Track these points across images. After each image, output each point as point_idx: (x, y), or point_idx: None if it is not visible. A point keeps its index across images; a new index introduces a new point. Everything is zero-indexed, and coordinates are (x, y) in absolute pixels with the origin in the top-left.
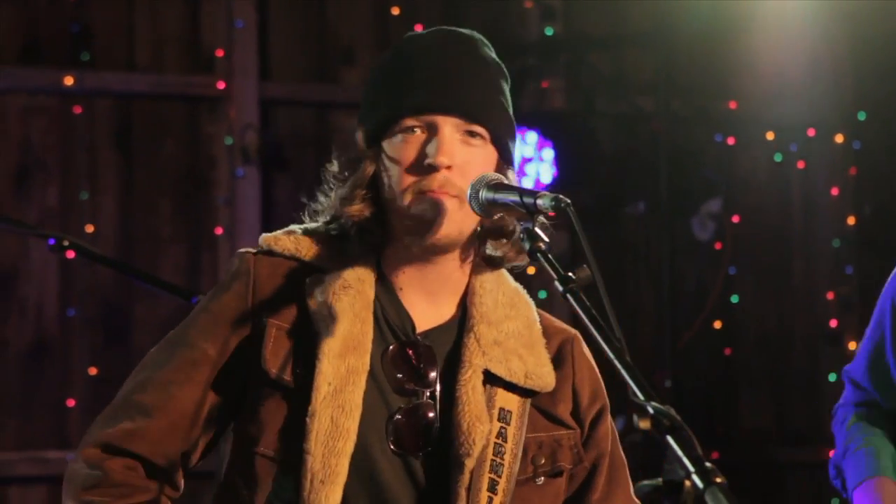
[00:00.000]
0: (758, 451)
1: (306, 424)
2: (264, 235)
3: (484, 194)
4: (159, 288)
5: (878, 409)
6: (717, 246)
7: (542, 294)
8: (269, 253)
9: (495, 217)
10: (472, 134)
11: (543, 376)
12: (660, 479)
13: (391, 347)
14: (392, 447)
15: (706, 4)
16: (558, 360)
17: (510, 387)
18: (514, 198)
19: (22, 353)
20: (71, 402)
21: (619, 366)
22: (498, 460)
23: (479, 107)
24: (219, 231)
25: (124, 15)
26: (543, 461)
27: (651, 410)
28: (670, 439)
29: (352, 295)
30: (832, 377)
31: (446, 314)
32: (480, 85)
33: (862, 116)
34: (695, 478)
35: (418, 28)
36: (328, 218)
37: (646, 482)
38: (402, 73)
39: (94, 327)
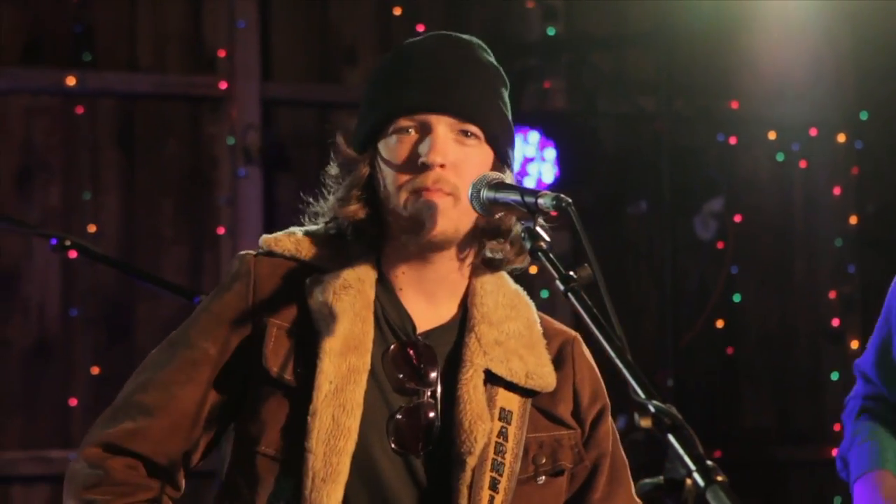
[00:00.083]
0: (760, 450)
1: (307, 423)
2: (264, 237)
3: (485, 193)
4: (161, 288)
5: (885, 403)
6: (720, 245)
7: (545, 293)
8: (270, 254)
9: (496, 216)
10: (466, 133)
11: (544, 376)
12: (661, 478)
13: (392, 347)
14: (393, 446)
15: (708, 4)
16: (559, 361)
17: (511, 387)
18: (516, 197)
19: (24, 352)
20: (73, 402)
21: (620, 364)
22: (499, 459)
23: (473, 106)
24: (221, 231)
25: (126, 15)
26: (544, 461)
27: (652, 409)
28: (671, 438)
29: (352, 294)
30: (834, 376)
31: (447, 315)
32: (475, 86)
33: (864, 116)
34: (696, 476)
35: (420, 28)
36: (328, 219)
37: (647, 481)
38: (397, 75)
39: (96, 327)
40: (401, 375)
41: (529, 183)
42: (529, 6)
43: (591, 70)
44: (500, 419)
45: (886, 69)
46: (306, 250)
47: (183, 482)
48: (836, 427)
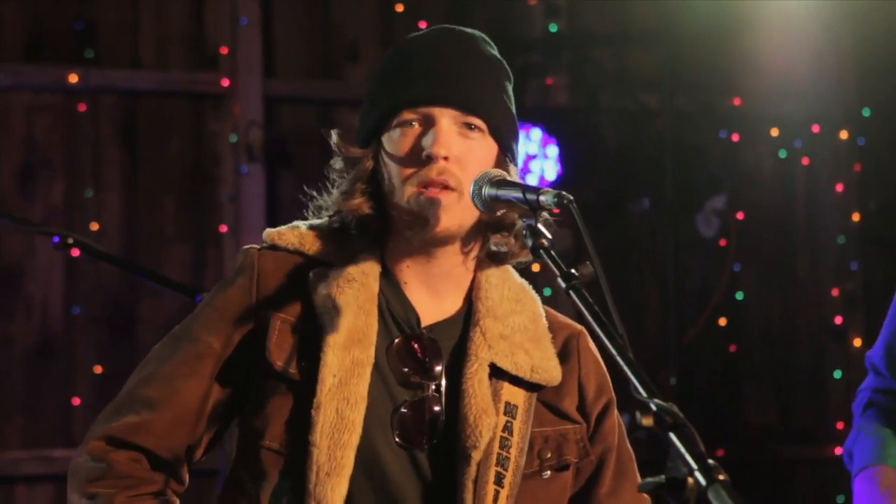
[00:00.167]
0: (763, 448)
1: (311, 417)
2: (268, 231)
3: (487, 191)
4: (163, 286)
5: (894, 396)
6: (722, 242)
7: (548, 291)
8: (273, 248)
9: (498, 213)
10: (469, 126)
11: (549, 370)
12: (663, 477)
13: (396, 341)
14: (397, 440)
15: (710, 1)
16: (564, 355)
17: (516, 381)
18: (517, 194)
19: (27, 351)
20: (76, 401)
21: (621, 362)
22: (504, 454)
23: (477, 99)
24: (223, 228)
25: (128, 12)
26: (549, 455)
27: (654, 407)
28: (673, 436)
29: (356, 288)
30: (837, 374)
31: (451, 308)
32: (479, 79)
33: (866, 112)
34: (697, 475)
35: (422, 24)
36: (331, 213)
37: (649, 479)
38: (400, 69)
39: (99, 325)
40: (405, 369)
41: (532, 180)
42: (532, 3)
43: (594, 67)
44: (505, 413)
45: (888, 65)
46: (310, 244)
47: (186, 476)
48: (840, 425)
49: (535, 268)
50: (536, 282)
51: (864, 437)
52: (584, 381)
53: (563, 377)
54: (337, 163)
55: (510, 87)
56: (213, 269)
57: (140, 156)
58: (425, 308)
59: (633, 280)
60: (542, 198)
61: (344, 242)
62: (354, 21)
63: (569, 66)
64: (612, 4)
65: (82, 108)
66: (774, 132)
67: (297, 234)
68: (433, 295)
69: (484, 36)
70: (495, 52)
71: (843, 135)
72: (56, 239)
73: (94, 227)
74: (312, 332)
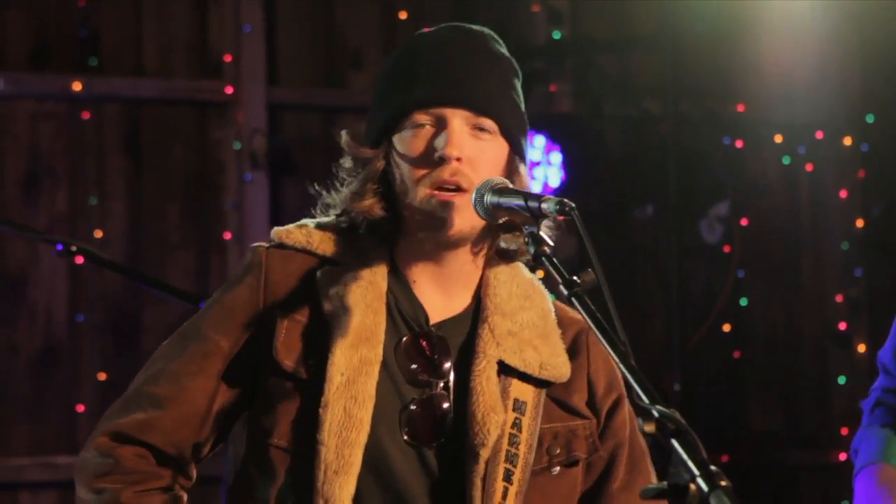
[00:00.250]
0: (767, 454)
1: (319, 415)
2: (276, 229)
3: (489, 198)
4: (166, 293)
5: None
6: (726, 249)
7: (551, 297)
8: (281, 246)
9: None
10: (481, 127)
11: (558, 367)
12: (665, 483)
13: (404, 339)
14: (406, 438)
15: (713, 7)
16: (573, 351)
17: (525, 377)
18: (519, 202)
19: (31, 358)
20: (80, 408)
21: (623, 369)
22: (513, 450)
23: (488, 100)
24: (227, 236)
25: (132, 20)
26: (559, 451)
27: (656, 414)
28: (675, 443)
29: (364, 286)
30: (842, 380)
31: (460, 306)
32: (489, 78)
33: (870, 118)
34: (700, 481)
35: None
36: (339, 212)
37: (651, 486)
38: (410, 69)
39: (103, 332)
40: (414, 367)
41: (536, 187)
42: (535, 10)
43: (597, 73)
44: (514, 410)
45: (892, 71)
46: (318, 242)
47: (194, 472)
48: (844, 431)
49: (539, 274)
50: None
51: (870, 436)
52: (593, 377)
53: (573, 373)
54: (346, 161)
55: (519, 84)
56: (217, 277)
57: (144, 164)
58: (434, 305)
59: (637, 286)
60: (543, 205)
61: (352, 241)
62: (358, 29)
63: (572, 72)
64: (615, 11)
65: (86, 116)
66: (778, 138)
67: (305, 233)
68: (442, 292)
69: (492, 33)
70: (504, 49)
71: (847, 141)
72: (59, 247)
73: (98, 234)
74: (320, 330)
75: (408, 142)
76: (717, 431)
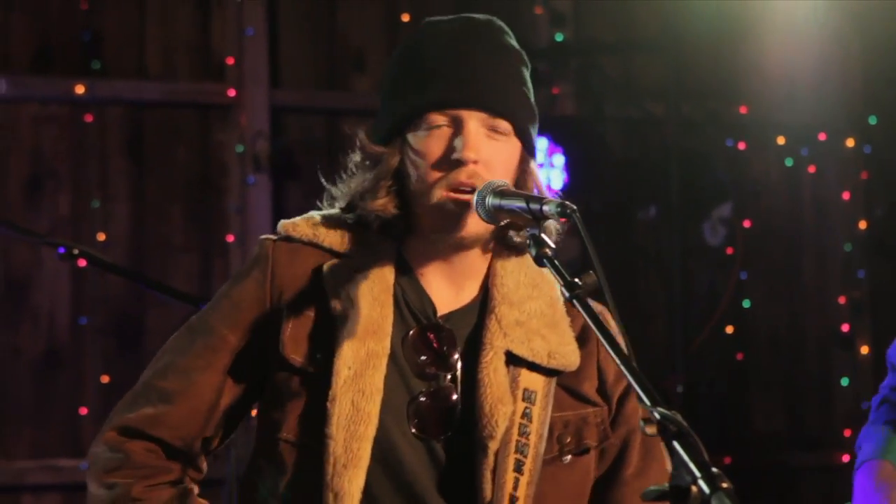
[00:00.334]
0: (770, 456)
1: (327, 409)
2: (283, 222)
3: (490, 201)
4: (169, 296)
5: None
6: (729, 251)
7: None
8: (288, 239)
9: (501, 223)
10: (496, 128)
11: (567, 355)
12: (667, 485)
13: (411, 331)
14: (414, 431)
15: (715, 9)
16: (583, 338)
17: (534, 367)
18: (521, 204)
19: (34, 361)
20: (83, 411)
21: (625, 371)
22: (523, 441)
23: (503, 101)
24: (230, 238)
25: (135, 23)
26: (569, 440)
27: (657, 416)
28: (677, 445)
29: (370, 280)
30: (844, 381)
31: (467, 297)
32: (503, 76)
33: (873, 120)
34: (701, 483)
35: None
36: (344, 205)
37: (652, 488)
38: (423, 65)
39: (105, 335)
40: (423, 358)
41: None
42: (538, 12)
43: (600, 76)
44: (523, 400)
45: (894, 73)
46: (324, 235)
47: (204, 465)
48: (847, 432)
49: None
50: None
51: (873, 433)
52: (603, 364)
53: (582, 361)
54: (356, 155)
55: (528, 74)
56: (220, 279)
57: (147, 166)
58: (442, 297)
59: (640, 288)
60: (545, 207)
61: (359, 234)
62: (360, 31)
63: (574, 75)
64: (618, 13)
65: (89, 119)
66: (781, 140)
67: (312, 226)
68: (450, 284)
69: (501, 24)
70: (512, 39)
71: (850, 143)
72: (62, 250)
73: (101, 237)
74: (327, 324)
75: (423, 142)
76: (720, 433)
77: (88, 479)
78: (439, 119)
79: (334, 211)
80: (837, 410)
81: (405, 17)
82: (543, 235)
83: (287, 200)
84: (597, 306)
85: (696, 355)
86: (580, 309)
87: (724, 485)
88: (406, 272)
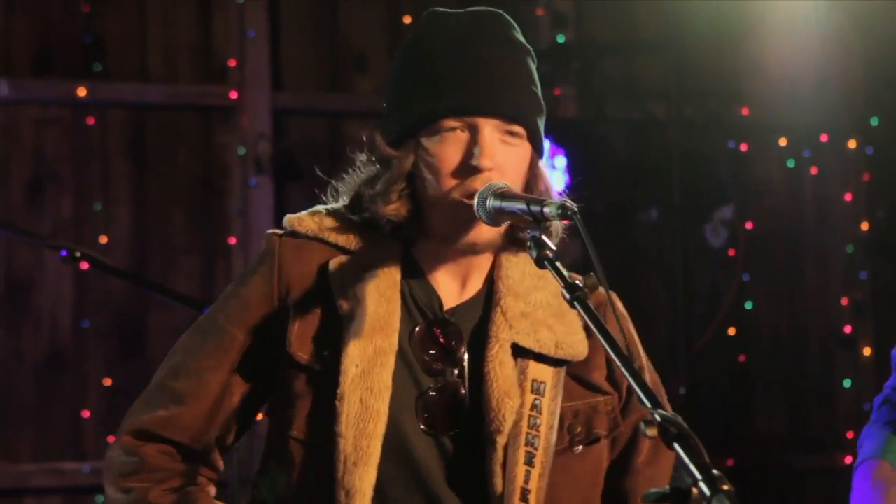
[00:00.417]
0: (773, 457)
1: (336, 408)
2: (288, 216)
3: (491, 203)
4: (171, 298)
5: None
6: (731, 252)
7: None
8: (294, 234)
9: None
10: (511, 132)
11: (574, 345)
12: (667, 487)
13: (418, 327)
14: (423, 426)
15: (717, 10)
16: (590, 328)
17: (541, 358)
18: (521, 206)
19: (37, 364)
20: (86, 413)
21: (626, 373)
22: (533, 433)
23: (518, 106)
24: (232, 241)
25: (136, 25)
26: (580, 429)
27: (658, 418)
28: (677, 447)
29: (377, 276)
30: (847, 383)
31: (472, 290)
32: (515, 78)
33: (875, 121)
34: (702, 485)
35: None
36: (349, 201)
37: (653, 490)
38: (434, 67)
39: (108, 338)
40: (432, 352)
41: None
42: (539, 14)
43: (601, 77)
44: (532, 392)
45: None
46: (329, 230)
47: (220, 462)
48: (849, 434)
49: None
50: None
51: (873, 433)
52: None
53: (591, 349)
54: (363, 155)
55: (534, 67)
56: (222, 282)
57: (148, 169)
58: (448, 291)
59: (642, 290)
60: (545, 209)
61: (365, 231)
62: (362, 33)
63: (576, 76)
64: (619, 14)
65: (91, 121)
66: (783, 142)
67: (317, 221)
68: (456, 279)
69: (508, 18)
70: (519, 34)
71: (852, 144)
72: (63, 252)
73: (103, 240)
74: (333, 322)
75: (438, 147)
76: (722, 434)
77: (105, 482)
78: (454, 123)
79: (339, 206)
80: (839, 412)
81: (407, 19)
82: (544, 237)
83: (289, 202)
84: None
85: (699, 357)
86: (581, 311)
87: (725, 487)
88: (414, 271)
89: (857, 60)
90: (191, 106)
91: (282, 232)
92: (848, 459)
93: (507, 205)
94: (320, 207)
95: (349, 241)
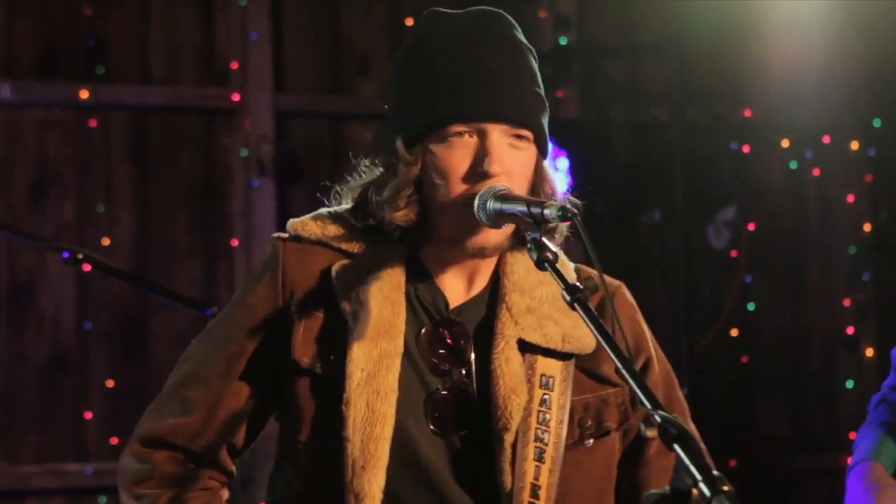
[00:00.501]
0: (775, 458)
1: (342, 412)
2: (292, 220)
3: (491, 205)
4: (173, 300)
5: None
6: (733, 254)
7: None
8: (297, 239)
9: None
10: (518, 137)
11: (581, 338)
12: (667, 488)
13: (424, 328)
14: (432, 428)
15: (719, 12)
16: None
17: (549, 352)
18: (522, 208)
19: (39, 366)
20: (88, 415)
21: (626, 375)
22: (543, 428)
23: (525, 111)
24: (235, 243)
25: (139, 28)
26: (590, 423)
27: (658, 419)
28: (678, 448)
29: (380, 279)
30: (850, 384)
31: (477, 288)
32: (524, 87)
33: (877, 123)
34: (702, 486)
35: None
36: (353, 203)
37: (653, 491)
38: (439, 72)
39: (110, 340)
40: (438, 354)
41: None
42: (542, 16)
43: (604, 79)
44: (541, 387)
45: None
46: (333, 235)
47: (231, 465)
48: (852, 435)
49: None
50: None
51: (867, 434)
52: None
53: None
54: (367, 159)
55: (537, 66)
56: (225, 284)
57: (151, 171)
58: (454, 290)
59: (644, 291)
60: (546, 211)
61: (369, 234)
62: (364, 35)
63: (578, 78)
64: (622, 16)
65: (93, 123)
66: (785, 143)
67: (321, 225)
68: (463, 279)
69: (510, 19)
70: (519, 32)
71: (854, 145)
72: (66, 254)
73: (106, 242)
74: (338, 326)
75: (446, 153)
76: (725, 435)
77: (120, 489)
78: (462, 128)
79: (343, 208)
80: (842, 413)
81: (409, 21)
82: (545, 239)
83: (291, 204)
84: (612, 283)
85: (701, 358)
86: (581, 313)
87: (725, 488)
88: (420, 273)
89: (859, 62)
90: (193, 108)
91: (286, 236)
92: (850, 460)
93: (507, 207)
94: (324, 211)
95: (353, 244)
